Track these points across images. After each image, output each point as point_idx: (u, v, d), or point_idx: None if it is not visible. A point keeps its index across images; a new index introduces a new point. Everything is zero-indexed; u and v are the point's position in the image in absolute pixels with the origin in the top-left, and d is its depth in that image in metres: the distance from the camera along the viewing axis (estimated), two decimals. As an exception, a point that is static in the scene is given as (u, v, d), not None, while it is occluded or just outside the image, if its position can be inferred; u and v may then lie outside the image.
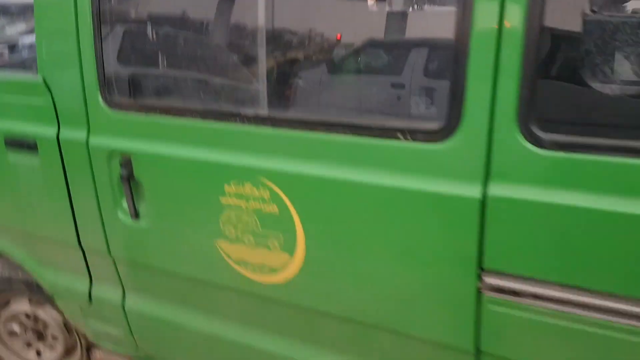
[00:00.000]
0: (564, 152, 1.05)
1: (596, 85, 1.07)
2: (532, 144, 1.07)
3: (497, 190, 1.12)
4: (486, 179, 1.13)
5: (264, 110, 1.39)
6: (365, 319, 1.38)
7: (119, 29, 1.60)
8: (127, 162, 1.59)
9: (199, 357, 1.80)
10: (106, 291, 1.88)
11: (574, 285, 1.10)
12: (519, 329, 1.19)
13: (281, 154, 1.35)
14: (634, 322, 1.07)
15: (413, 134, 1.18)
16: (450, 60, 1.12)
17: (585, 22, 1.12)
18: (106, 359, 2.00)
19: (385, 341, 1.39)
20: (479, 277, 1.18)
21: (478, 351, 1.26)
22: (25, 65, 1.84)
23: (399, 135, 1.19)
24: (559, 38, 1.12)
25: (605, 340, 1.10)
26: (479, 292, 1.20)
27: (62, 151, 1.71)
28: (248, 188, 1.40)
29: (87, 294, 1.92)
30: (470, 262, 1.17)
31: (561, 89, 1.10)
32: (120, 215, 1.67)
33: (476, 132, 1.11)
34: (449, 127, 1.14)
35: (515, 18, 1.03)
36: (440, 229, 1.19)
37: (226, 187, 1.43)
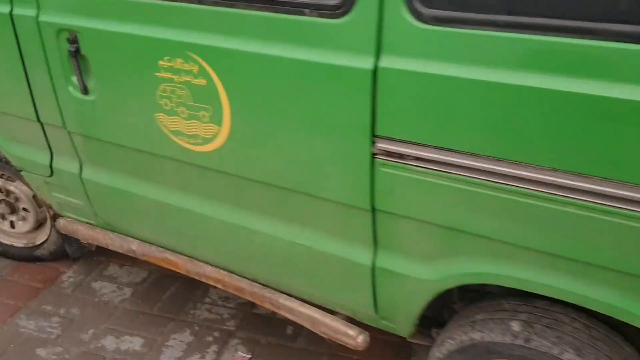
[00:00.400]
0: (442, 26, 1.17)
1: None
2: (416, 18, 1.19)
3: (386, 62, 1.25)
4: (378, 51, 1.25)
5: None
6: (282, 183, 1.55)
7: None
8: (74, 39, 1.70)
9: (148, 223, 2.00)
10: (65, 163, 2.05)
11: (450, 148, 1.26)
12: (404, 188, 1.36)
13: (207, 30, 1.46)
14: (498, 180, 1.23)
15: (317, 10, 1.29)
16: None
17: None
18: (68, 225, 2.20)
19: (300, 203, 1.57)
20: (373, 143, 1.34)
21: (373, 209, 1.44)
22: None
23: (306, 11, 1.30)
24: None
25: (473, 195, 1.27)
26: (372, 156, 1.36)
27: (16, 29, 1.81)
28: (179, 63, 1.53)
29: (49, 167, 2.09)
30: (365, 129, 1.32)
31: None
32: (71, 90, 1.80)
33: (370, 8, 1.22)
34: (347, 4, 1.25)
35: None
36: (339, 99, 1.33)
37: (160, 62, 1.56)
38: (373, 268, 1.54)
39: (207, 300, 2.40)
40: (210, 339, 2.21)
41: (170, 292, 2.44)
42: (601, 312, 1.29)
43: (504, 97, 1.16)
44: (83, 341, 2.21)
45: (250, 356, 2.13)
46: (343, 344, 1.71)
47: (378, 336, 1.99)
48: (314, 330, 1.76)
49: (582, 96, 1.08)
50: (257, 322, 2.28)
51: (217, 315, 2.32)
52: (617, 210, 1.13)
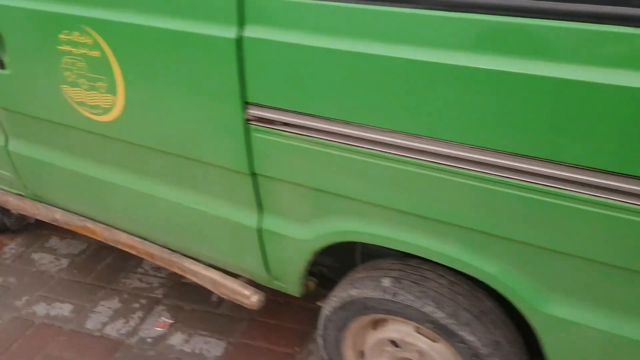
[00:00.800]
0: (292, -3, 1.26)
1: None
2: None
3: (249, 32, 1.33)
4: (241, 21, 1.33)
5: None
6: (174, 150, 1.64)
7: None
8: (-13, 15, 1.78)
9: (68, 193, 2.09)
10: (-8, 136, 2.15)
11: (311, 113, 1.34)
12: (276, 153, 1.45)
13: (97, 3, 1.55)
14: (351, 143, 1.32)
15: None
16: None
17: None
18: (0, 197, 2.30)
19: (193, 169, 1.65)
20: (245, 109, 1.43)
21: (253, 173, 1.53)
22: None
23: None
24: None
25: (333, 158, 1.36)
26: (246, 122, 1.44)
27: (-63, 5, 1.90)
28: (76, 36, 1.61)
29: (-22, 140, 2.18)
30: (236, 96, 1.41)
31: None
32: (-10, 65, 1.89)
33: (230, -20, 1.31)
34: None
35: None
36: (210, 67, 1.41)
37: (61, 36, 1.64)
38: (260, 230, 1.63)
39: (140, 270, 2.49)
40: (137, 305, 2.31)
41: (105, 263, 2.54)
42: (445, 264, 1.38)
43: (351, 63, 1.24)
44: (16, 307, 2.31)
45: (172, 322, 2.23)
46: (241, 304, 1.80)
47: (296, 302, 2.10)
48: (216, 292, 1.86)
49: (411, 62, 1.16)
50: (184, 290, 2.38)
51: (147, 284, 2.42)
52: (449, 168, 1.21)
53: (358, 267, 1.67)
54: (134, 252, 2.01)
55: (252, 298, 1.76)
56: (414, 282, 1.52)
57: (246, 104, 1.42)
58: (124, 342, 2.14)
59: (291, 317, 2.23)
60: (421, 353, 1.60)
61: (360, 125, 1.29)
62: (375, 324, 1.68)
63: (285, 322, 2.22)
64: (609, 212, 1.08)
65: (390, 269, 1.58)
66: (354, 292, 1.59)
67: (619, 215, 1.07)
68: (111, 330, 2.19)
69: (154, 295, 2.36)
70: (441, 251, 1.35)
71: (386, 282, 1.54)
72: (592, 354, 1.29)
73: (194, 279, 1.89)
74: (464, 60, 1.10)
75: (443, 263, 1.39)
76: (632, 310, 1.19)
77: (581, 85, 1.01)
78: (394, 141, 1.26)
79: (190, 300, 2.33)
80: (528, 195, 1.14)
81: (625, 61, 0.99)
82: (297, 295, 1.76)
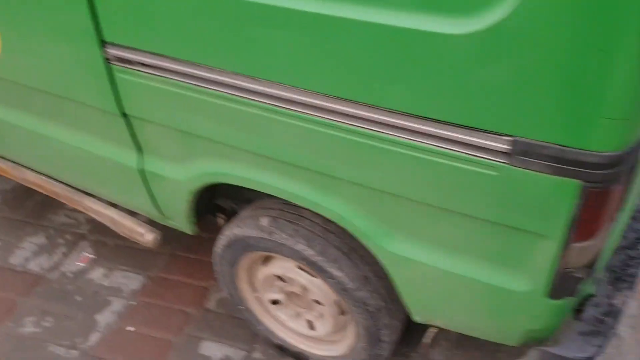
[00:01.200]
0: None
1: None
2: None
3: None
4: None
5: None
6: (52, 90, 1.61)
7: None
8: None
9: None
10: None
11: (162, 54, 1.31)
12: (139, 93, 1.42)
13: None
14: (204, 85, 1.29)
15: None
16: None
17: None
18: None
19: (73, 109, 1.63)
20: (104, 49, 1.39)
21: (124, 114, 1.51)
22: None
23: None
24: None
25: (188, 99, 1.34)
26: (106, 62, 1.41)
27: None
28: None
29: None
30: (92, 36, 1.36)
31: None
32: None
33: None
34: None
35: None
36: (65, 7, 1.36)
37: None
38: (142, 171, 1.63)
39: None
40: (61, 241, 2.36)
41: (35, 200, 2.57)
42: (299, 204, 1.39)
43: (187, 3, 1.19)
44: (-55, 245, 2.37)
45: (94, 257, 2.29)
46: (138, 241, 1.84)
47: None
48: (117, 231, 1.89)
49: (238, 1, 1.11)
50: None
51: (73, 220, 2.46)
52: (283, 110, 1.20)
53: (246, 207, 1.69)
54: (42, 191, 2.03)
55: (146, 236, 1.79)
56: (289, 221, 1.53)
57: (104, 43, 1.38)
58: (44, 277, 2.21)
59: (211, 252, 2.27)
60: (304, 287, 1.64)
61: (204, 67, 1.26)
62: (266, 261, 1.72)
63: (205, 256, 2.26)
64: (425, 156, 1.07)
65: (272, 209, 1.59)
66: (237, 231, 1.61)
67: (434, 159, 1.06)
68: (34, 266, 2.25)
69: (79, 231, 2.40)
70: (293, 191, 1.36)
71: (264, 221, 1.56)
72: (430, 288, 1.32)
73: (97, 218, 1.92)
74: (288, 3, 1.06)
75: (297, 203, 1.39)
76: (458, 248, 1.21)
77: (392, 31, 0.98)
78: (236, 83, 1.23)
79: (114, 236, 2.35)
80: (353, 138, 1.13)
81: None
82: (191, 233, 1.78)
